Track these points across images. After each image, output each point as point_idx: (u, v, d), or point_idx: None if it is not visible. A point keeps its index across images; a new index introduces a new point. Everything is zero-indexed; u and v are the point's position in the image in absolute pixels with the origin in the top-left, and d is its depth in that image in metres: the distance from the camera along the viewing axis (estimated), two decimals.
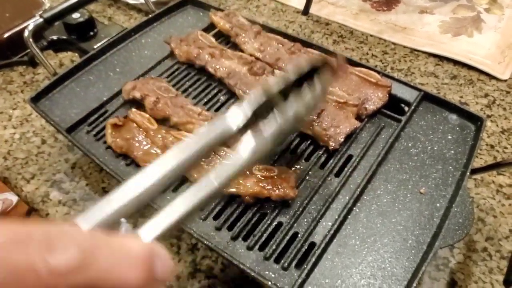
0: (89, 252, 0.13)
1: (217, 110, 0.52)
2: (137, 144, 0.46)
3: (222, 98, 0.54)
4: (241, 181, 0.41)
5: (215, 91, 0.55)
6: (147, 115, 0.49)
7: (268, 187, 0.41)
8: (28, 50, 0.71)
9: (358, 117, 0.49)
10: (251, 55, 0.57)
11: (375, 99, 0.50)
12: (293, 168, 0.45)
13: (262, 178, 0.41)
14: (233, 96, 0.54)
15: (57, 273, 0.12)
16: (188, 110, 0.49)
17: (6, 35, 0.69)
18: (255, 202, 0.41)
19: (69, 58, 0.73)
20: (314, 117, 0.47)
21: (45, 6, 0.74)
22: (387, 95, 0.50)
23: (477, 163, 0.55)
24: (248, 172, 0.42)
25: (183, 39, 0.59)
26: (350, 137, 0.47)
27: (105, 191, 0.53)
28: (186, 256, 0.47)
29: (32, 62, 0.69)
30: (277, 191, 0.40)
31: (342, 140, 0.45)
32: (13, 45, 0.71)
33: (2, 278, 0.11)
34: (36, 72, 0.70)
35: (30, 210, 1.14)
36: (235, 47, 0.60)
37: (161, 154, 0.45)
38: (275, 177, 0.42)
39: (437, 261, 0.46)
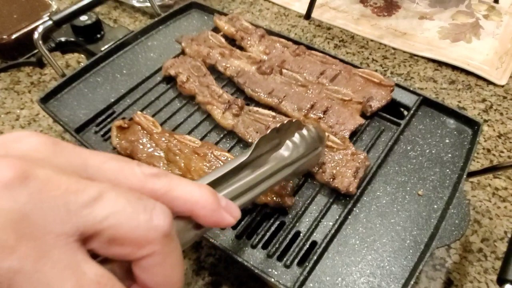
0: (166, 173, 0.20)
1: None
2: (141, 147, 0.47)
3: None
4: None
5: (225, 89, 0.57)
6: (151, 118, 0.50)
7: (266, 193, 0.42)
8: (35, 51, 0.72)
9: (363, 115, 0.51)
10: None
11: (379, 97, 0.51)
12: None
13: None
14: (242, 94, 0.55)
15: (146, 173, 0.19)
16: (212, 91, 0.53)
17: (14, 36, 0.71)
18: (254, 206, 0.43)
19: (75, 59, 0.74)
20: (320, 115, 0.49)
21: (52, 8, 0.76)
22: (391, 94, 0.52)
23: (474, 166, 0.57)
24: None
25: (193, 38, 0.61)
26: (355, 135, 0.49)
27: None
28: (191, 253, 0.48)
29: (40, 63, 0.71)
30: (274, 198, 0.41)
31: (348, 136, 0.47)
32: (20, 46, 0.72)
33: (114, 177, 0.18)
34: (43, 73, 0.72)
35: None
36: (241, 49, 0.62)
37: (164, 157, 0.46)
38: None
39: (434, 261, 0.47)
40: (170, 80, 0.58)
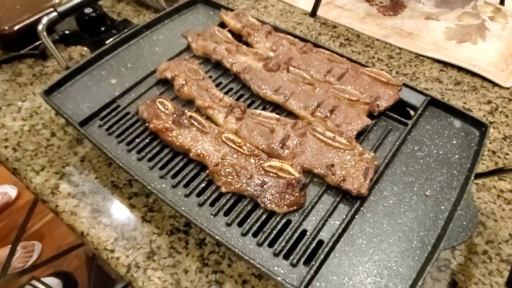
0: None
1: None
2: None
3: (235, 88, 0.55)
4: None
5: (230, 86, 0.57)
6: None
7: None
8: (37, 43, 0.72)
9: (370, 114, 0.50)
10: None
11: (387, 97, 0.51)
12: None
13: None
14: (248, 91, 0.55)
15: None
16: (212, 94, 0.51)
17: (16, 27, 0.70)
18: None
19: (78, 52, 0.73)
20: (327, 113, 0.48)
21: (55, 0, 0.75)
22: (398, 93, 0.51)
23: (479, 168, 0.57)
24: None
25: (200, 34, 0.60)
26: (362, 134, 0.49)
27: (114, 185, 0.53)
28: (194, 250, 0.47)
29: (42, 55, 0.70)
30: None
31: (354, 136, 0.47)
32: (22, 37, 0.71)
33: None
34: (45, 65, 0.71)
35: (34, 204, 1.14)
36: (247, 45, 0.61)
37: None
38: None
39: (439, 262, 0.47)
40: None
